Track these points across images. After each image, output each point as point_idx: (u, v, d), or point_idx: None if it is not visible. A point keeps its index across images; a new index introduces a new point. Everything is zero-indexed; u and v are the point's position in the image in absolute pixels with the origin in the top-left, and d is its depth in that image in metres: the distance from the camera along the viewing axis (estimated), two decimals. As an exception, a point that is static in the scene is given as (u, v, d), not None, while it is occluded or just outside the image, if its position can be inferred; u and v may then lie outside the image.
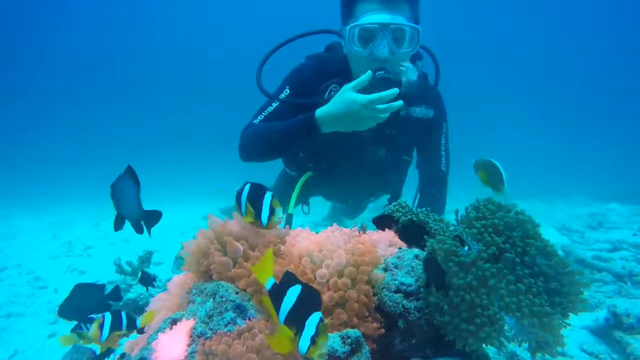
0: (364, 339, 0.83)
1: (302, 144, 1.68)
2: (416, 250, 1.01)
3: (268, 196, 0.91)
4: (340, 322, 0.87)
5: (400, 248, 1.02)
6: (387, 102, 1.37)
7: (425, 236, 1.02)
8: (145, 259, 2.36)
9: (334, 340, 0.81)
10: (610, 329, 1.51)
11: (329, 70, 1.67)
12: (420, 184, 1.92)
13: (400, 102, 1.37)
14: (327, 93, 1.66)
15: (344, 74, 1.65)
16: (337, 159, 1.83)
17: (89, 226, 5.10)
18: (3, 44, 17.41)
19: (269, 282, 0.71)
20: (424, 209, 1.14)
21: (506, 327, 0.84)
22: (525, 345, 0.87)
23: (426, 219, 1.07)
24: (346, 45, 1.59)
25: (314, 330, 0.59)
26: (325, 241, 0.94)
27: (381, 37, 1.48)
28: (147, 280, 1.16)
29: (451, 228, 1.03)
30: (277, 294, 0.68)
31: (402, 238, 1.05)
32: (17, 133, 15.67)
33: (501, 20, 17.35)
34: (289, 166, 2.13)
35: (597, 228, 3.80)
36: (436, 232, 1.03)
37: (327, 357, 0.80)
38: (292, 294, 0.65)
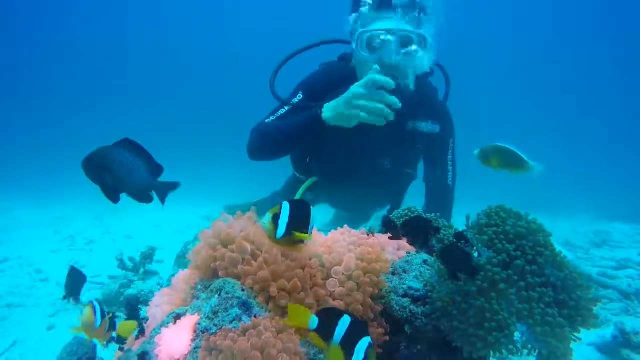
0: (372, 341, 0.82)
1: (309, 137, 1.70)
2: (425, 255, 1.00)
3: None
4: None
5: (408, 252, 1.01)
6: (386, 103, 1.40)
7: (433, 240, 1.01)
8: (148, 255, 2.36)
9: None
10: (618, 347, 1.48)
11: (340, 79, 1.70)
12: (426, 197, 1.92)
13: (399, 104, 1.39)
14: None
15: (352, 83, 1.68)
16: (342, 166, 1.84)
17: (91, 221, 5.10)
18: (3, 38, 17.63)
19: (312, 322, 0.73)
20: (433, 214, 1.13)
21: (516, 334, 0.83)
22: (534, 354, 0.86)
23: (435, 225, 1.07)
24: (355, 51, 1.61)
25: (363, 354, 0.66)
26: (334, 245, 0.94)
27: (388, 42, 1.51)
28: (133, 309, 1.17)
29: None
30: (325, 328, 0.71)
31: (409, 241, 1.04)
32: (19, 127, 15.77)
33: (503, 36, 17.42)
34: (297, 170, 2.15)
35: (601, 246, 3.76)
36: (445, 237, 1.03)
37: None
38: (343, 323, 0.69)
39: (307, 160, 1.94)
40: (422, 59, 1.59)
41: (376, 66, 1.42)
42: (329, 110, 1.50)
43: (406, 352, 0.92)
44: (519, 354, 0.86)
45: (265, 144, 1.73)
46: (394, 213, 1.15)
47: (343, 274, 0.90)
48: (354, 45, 1.61)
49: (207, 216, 5.17)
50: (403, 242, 1.02)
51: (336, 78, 1.72)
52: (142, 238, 3.97)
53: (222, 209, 3.67)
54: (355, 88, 1.41)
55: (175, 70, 19.38)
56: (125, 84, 19.38)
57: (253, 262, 0.94)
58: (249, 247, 0.97)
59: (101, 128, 16.06)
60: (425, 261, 0.98)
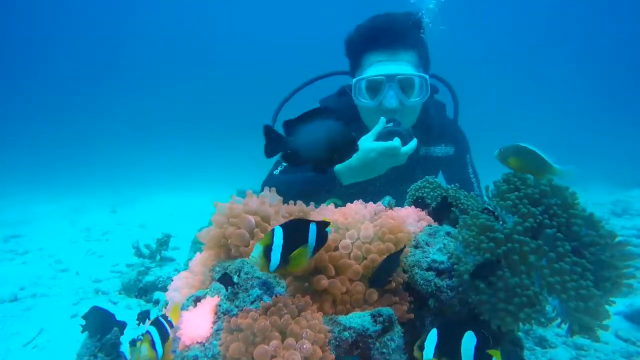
0: (396, 317, 0.80)
1: (324, 197, 1.67)
2: (447, 227, 0.96)
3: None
4: (368, 299, 0.84)
5: (430, 225, 0.97)
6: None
7: (456, 211, 0.97)
8: (164, 241, 2.37)
9: (364, 319, 0.78)
10: (646, 314, 1.44)
11: (342, 118, 1.66)
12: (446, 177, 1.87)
13: (414, 142, 1.36)
14: None
15: (356, 122, 1.64)
16: (360, 196, 1.81)
17: (106, 212, 5.18)
18: (15, 30, 17.67)
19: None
20: (453, 185, 1.09)
21: (548, 308, 0.79)
22: (560, 330, 0.83)
23: (457, 195, 1.02)
24: (355, 98, 1.54)
25: None
26: (350, 211, 0.90)
27: (388, 88, 1.46)
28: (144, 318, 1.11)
29: (484, 204, 0.97)
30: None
31: (433, 216, 1.00)
32: (33, 122, 15.99)
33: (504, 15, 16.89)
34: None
35: (621, 215, 3.67)
36: (468, 207, 0.98)
37: (356, 335, 0.77)
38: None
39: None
40: (424, 99, 1.53)
41: (383, 119, 1.38)
42: (347, 174, 1.43)
43: (432, 327, 0.90)
44: (551, 329, 0.83)
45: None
46: (412, 186, 1.11)
47: (361, 240, 0.86)
48: (353, 89, 1.54)
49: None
50: (424, 214, 0.98)
51: (339, 118, 1.67)
52: (156, 226, 4.02)
53: (235, 193, 3.67)
54: (375, 154, 1.34)
55: (188, 56, 19.31)
56: (139, 73, 19.39)
57: (262, 234, 0.92)
58: (252, 219, 0.94)
59: (117, 119, 16.24)
60: (448, 233, 0.94)
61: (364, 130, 1.56)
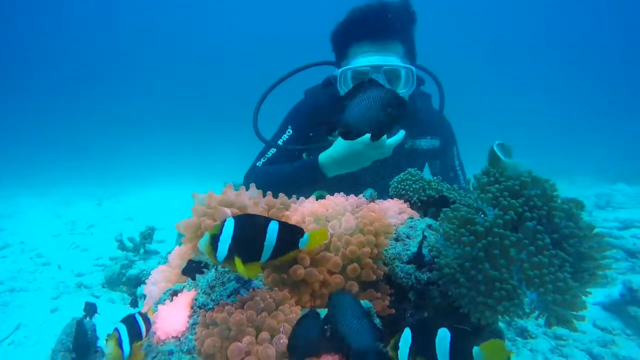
0: (374, 311, 0.79)
1: (308, 188, 1.65)
2: (429, 220, 0.96)
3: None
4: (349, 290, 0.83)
5: (411, 217, 0.97)
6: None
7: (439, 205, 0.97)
8: (147, 234, 2.33)
9: (342, 312, 0.77)
10: (625, 304, 1.47)
11: (329, 108, 1.63)
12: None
13: (402, 133, 1.34)
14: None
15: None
16: (346, 190, 1.80)
17: (92, 205, 5.09)
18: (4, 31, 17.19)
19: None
20: (435, 177, 1.08)
21: (526, 301, 0.79)
22: (541, 320, 0.83)
23: (440, 187, 1.01)
24: (340, 89, 1.52)
25: None
26: (330, 202, 0.89)
27: (374, 78, 1.42)
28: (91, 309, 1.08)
29: (467, 196, 0.97)
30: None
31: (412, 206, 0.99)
32: (19, 115, 15.63)
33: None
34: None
35: (604, 207, 3.74)
36: (450, 199, 0.98)
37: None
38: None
39: None
40: (410, 92, 1.52)
41: None
42: (331, 166, 1.41)
43: (412, 320, 0.90)
44: (531, 321, 0.84)
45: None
46: (395, 178, 1.10)
47: (341, 231, 0.85)
48: (338, 79, 1.51)
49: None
50: (405, 206, 0.98)
51: (323, 109, 1.64)
52: (142, 219, 3.96)
53: (222, 186, 3.63)
54: (360, 146, 1.32)
55: (175, 50, 19.00)
56: (123, 67, 19.03)
57: None
58: (228, 211, 0.92)
59: (101, 112, 15.93)
60: (429, 226, 0.93)
61: None
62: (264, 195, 1.04)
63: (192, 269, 0.88)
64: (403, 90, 1.49)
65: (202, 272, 0.88)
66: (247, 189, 1.65)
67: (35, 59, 18.52)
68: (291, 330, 0.63)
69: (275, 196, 1.48)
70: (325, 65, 1.71)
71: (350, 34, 1.51)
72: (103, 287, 2.19)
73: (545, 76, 16.17)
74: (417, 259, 0.86)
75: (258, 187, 1.61)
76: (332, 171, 1.42)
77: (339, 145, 1.39)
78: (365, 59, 1.46)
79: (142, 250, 2.36)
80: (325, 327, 0.65)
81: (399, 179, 1.08)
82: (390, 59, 1.45)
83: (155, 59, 19.12)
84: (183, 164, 8.62)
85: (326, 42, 1.66)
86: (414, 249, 0.88)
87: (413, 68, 1.48)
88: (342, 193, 0.97)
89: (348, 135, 0.88)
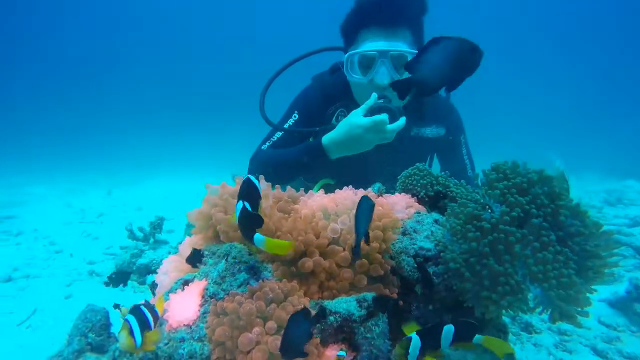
0: (381, 303, 0.81)
1: (312, 170, 1.65)
2: (435, 215, 0.97)
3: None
4: (357, 284, 0.84)
5: (418, 212, 0.98)
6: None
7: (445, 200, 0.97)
8: (157, 224, 2.38)
9: (350, 304, 0.79)
10: (631, 302, 1.47)
11: (334, 94, 1.66)
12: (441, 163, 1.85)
13: (403, 119, 1.33)
14: (334, 118, 1.65)
15: (348, 98, 1.63)
16: (352, 177, 1.82)
17: (102, 194, 5.17)
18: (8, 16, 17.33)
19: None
20: (443, 172, 1.08)
21: (530, 296, 0.80)
22: (545, 315, 0.84)
23: (447, 183, 1.02)
24: (346, 73, 1.53)
25: None
26: (339, 197, 0.90)
27: (380, 64, 1.44)
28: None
29: (475, 190, 0.98)
30: None
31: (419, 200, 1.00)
32: (28, 103, 15.82)
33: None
34: (305, 178, 2.11)
35: (615, 204, 3.70)
36: (457, 195, 0.98)
37: (341, 320, 0.78)
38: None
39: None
40: None
41: (374, 94, 1.36)
42: (334, 148, 1.43)
43: (417, 313, 0.91)
44: (536, 315, 0.85)
45: (267, 175, 1.69)
46: (402, 173, 1.11)
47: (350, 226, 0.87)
48: (345, 64, 1.52)
49: (219, 185, 5.17)
50: (412, 200, 0.99)
51: (330, 95, 1.66)
52: (152, 209, 4.02)
53: (230, 177, 3.67)
54: (361, 130, 1.34)
55: (183, 41, 18.98)
56: (133, 58, 19.14)
57: None
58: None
59: (110, 101, 16.06)
60: (436, 220, 0.94)
61: (355, 106, 1.56)
62: (270, 181, 1.06)
63: (196, 257, 0.91)
64: (409, 77, 1.50)
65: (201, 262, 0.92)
66: (253, 172, 1.68)
67: (45, 47, 18.67)
68: (283, 330, 0.66)
69: (280, 180, 1.52)
70: (335, 52, 1.72)
71: (360, 20, 1.51)
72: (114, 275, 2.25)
73: (554, 70, 15.90)
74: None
75: (263, 170, 1.66)
76: (335, 153, 1.44)
77: (341, 127, 1.41)
78: (372, 44, 1.46)
79: (151, 240, 2.40)
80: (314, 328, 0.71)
81: (407, 174, 1.08)
82: (397, 44, 1.45)
83: (164, 48, 19.15)
84: (192, 155, 8.68)
85: (336, 30, 1.67)
86: (421, 243, 0.90)
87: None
88: (350, 187, 0.99)
89: (423, 90, 0.89)
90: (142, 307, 0.71)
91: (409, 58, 1.45)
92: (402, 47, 1.46)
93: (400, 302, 0.87)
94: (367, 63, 1.48)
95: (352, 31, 1.56)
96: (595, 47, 16.23)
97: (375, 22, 1.47)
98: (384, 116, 1.30)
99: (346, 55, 1.51)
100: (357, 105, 1.48)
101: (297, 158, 1.52)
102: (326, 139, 1.45)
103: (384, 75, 1.44)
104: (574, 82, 15.12)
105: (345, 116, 1.55)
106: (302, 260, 0.82)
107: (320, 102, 1.67)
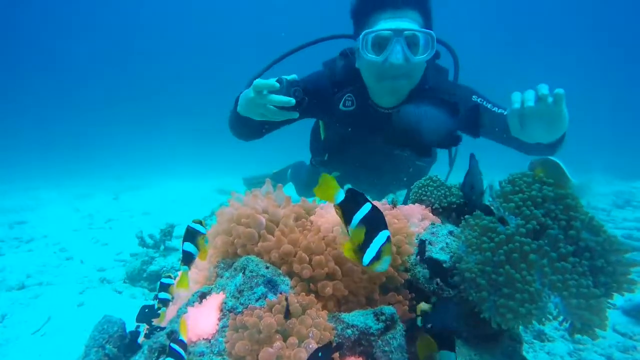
0: (398, 316, 0.81)
1: (252, 122, 1.64)
2: (450, 226, 0.97)
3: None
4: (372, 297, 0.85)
5: (433, 223, 0.98)
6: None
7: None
8: (167, 232, 2.39)
9: (367, 317, 0.79)
10: (645, 310, 1.46)
11: (342, 80, 1.69)
12: (499, 139, 1.71)
13: (285, 98, 1.26)
14: (341, 103, 1.68)
15: (355, 83, 1.65)
16: (360, 162, 1.88)
17: (109, 199, 5.21)
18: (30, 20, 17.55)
19: (338, 196, 0.77)
20: (457, 183, 1.09)
21: (550, 306, 0.80)
22: (556, 323, 0.84)
23: (460, 194, 1.02)
24: (360, 52, 1.53)
25: (378, 248, 0.68)
26: None
27: (395, 42, 1.45)
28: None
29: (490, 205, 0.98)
30: (347, 207, 0.75)
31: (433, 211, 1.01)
32: (37, 109, 15.99)
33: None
34: (316, 164, 2.13)
35: (624, 207, 3.67)
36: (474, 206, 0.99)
37: (359, 333, 0.78)
38: (364, 209, 0.73)
39: (325, 158, 1.97)
40: (429, 57, 1.51)
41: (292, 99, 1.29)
42: (242, 102, 1.45)
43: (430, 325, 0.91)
44: (549, 323, 0.85)
45: (235, 132, 1.76)
46: (415, 184, 1.11)
47: None
48: (359, 44, 1.53)
49: (221, 189, 5.21)
50: (427, 212, 0.99)
51: (338, 81, 1.69)
52: (159, 214, 4.04)
53: (240, 181, 3.68)
54: (250, 90, 1.33)
55: (190, 47, 19.09)
56: (140, 63, 19.26)
57: (269, 236, 0.93)
58: (263, 220, 0.95)
59: (118, 107, 16.19)
60: (451, 232, 0.95)
61: (362, 91, 1.58)
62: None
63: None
64: (422, 56, 1.50)
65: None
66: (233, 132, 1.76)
67: (55, 53, 18.87)
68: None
69: (244, 135, 1.68)
70: (333, 47, 1.73)
71: (372, 2, 1.53)
72: (124, 282, 2.27)
73: (561, 70, 15.81)
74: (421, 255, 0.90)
75: (232, 131, 1.73)
76: (241, 108, 1.46)
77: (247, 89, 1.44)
78: (387, 24, 1.48)
79: (162, 247, 2.42)
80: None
81: (420, 184, 1.09)
82: (411, 24, 1.48)
83: (174, 52, 19.28)
84: (199, 159, 8.73)
85: (340, 26, 1.68)
86: (436, 255, 0.90)
87: (432, 33, 1.49)
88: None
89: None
90: (174, 347, 0.75)
91: (422, 38, 1.47)
92: (416, 26, 1.48)
93: (413, 314, 0.87)
94: (381, 43, 1.49)
95: (364, 14, 1.57)
96: (603, 47, 16.12)
97: (387, 4, 1.49)
98: (271, 81, 1.26)
99: (361, 35, 1.51)
100: (366, 91, 1.54)
101: (233, 111, 1.55)
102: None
103: (399, 54, 1.45)
104: (582, 82, 15.03)
105: (352, 101, 1.62)
106: (322, 284, 0.83)
107: (328, 86, 1.69)
